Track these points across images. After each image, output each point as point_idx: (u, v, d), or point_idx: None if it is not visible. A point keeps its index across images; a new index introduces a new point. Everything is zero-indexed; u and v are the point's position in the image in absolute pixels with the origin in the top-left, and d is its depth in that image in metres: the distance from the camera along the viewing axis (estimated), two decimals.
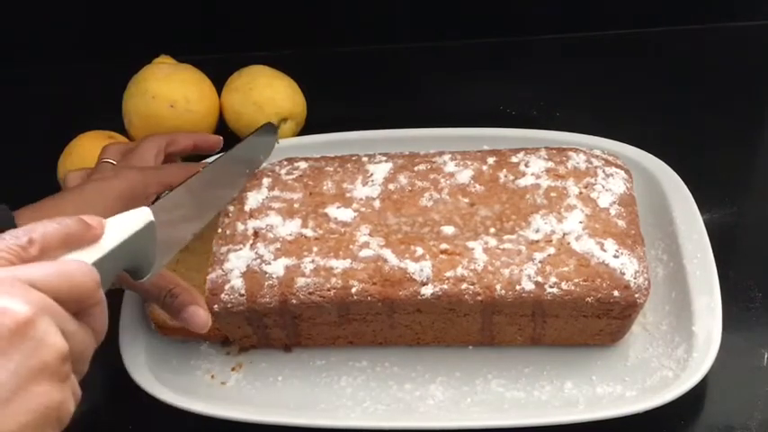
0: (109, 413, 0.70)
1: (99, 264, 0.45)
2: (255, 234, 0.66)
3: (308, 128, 0.88)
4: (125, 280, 0.57)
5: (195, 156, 0.80)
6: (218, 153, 0.78)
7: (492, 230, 0.64)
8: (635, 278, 0.62)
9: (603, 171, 0.68)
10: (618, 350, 0.67)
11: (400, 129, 0.82)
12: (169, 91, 0.84)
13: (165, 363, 0.69)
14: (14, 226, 0.58)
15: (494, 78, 0.96)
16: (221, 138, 0.77)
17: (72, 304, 0.41)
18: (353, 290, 0.63)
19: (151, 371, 0.67)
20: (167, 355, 0.70)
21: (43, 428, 0.37)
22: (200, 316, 0.60)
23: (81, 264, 0.43)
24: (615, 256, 0.62)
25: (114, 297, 0.67)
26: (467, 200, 0.67)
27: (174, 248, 0.57)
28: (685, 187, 0.74)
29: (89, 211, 0.62)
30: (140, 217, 0.50)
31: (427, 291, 0.62)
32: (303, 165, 0.72)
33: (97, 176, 0.68)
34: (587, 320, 0.64)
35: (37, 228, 0.43)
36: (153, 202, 0.53)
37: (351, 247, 0.64)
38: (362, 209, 0.67)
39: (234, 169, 0.69)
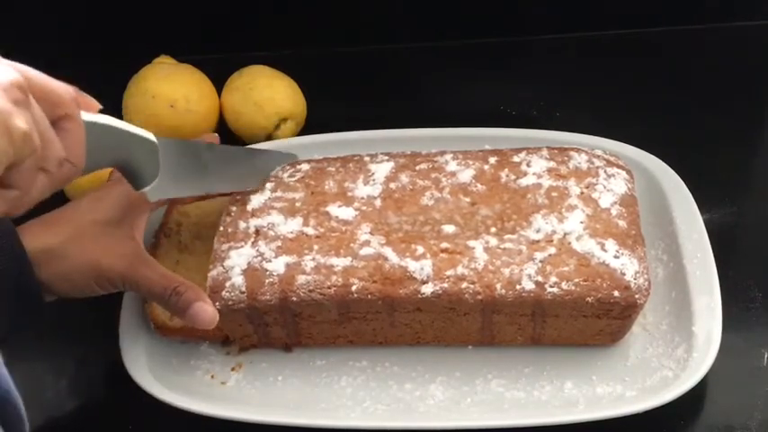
0: (109, 413, 0.70)
1: (87, 126, 0.47)
2: (257, 232, 0.66)
3: (308, 128, 0.88)
4: (120, 185, 0.60)
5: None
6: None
7: (493, 230, 0.64)
8: (635, 278, 0.62)
9: (605, 171, 0.68)
10: (618, 350, 0.67)
11: (401, 129, 0.82)
12: (169, 91, 0.84)
13: (165, 363, 0.69)
14: (16, 237, 0.59)
15: (494, 78, 0.96)
16: (217, 135, 0.77)
17: (41, 102, 0.43)
18: (354, 288, 0.63)
19: (151, 371, 0.67)
20: (167, 355, 0.70)
21: None
22: (207, 312, 0.61)
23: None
24: (616, 257, 0.62)
25: (114, 297, 0.68)
26: (468, 199, 0.67)
27: (184, 187, 0.60)
28: (685, 187, 0.74)
29: (90, 217, 0.63)
30: (140, 130, 0.54)
31: (427, 289, 0.62)
32: (305, 167, 0.72)
33: (98, 188, 0.68)
34: (587, 320, 0.64)
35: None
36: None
37: (351, 245, 0.64)
38: (364, 207, 0.67)
39: (247, 165, 0.71)
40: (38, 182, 0.44)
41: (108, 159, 0.53)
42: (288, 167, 0.73)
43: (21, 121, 0.40)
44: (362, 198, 0.68)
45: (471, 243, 0.64)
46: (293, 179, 0.71)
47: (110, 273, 0.62)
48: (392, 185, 0.69)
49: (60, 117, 0.45)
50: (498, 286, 0.62)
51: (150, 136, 0.55)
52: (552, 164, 0.69)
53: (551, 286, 0.61)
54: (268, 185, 0.70)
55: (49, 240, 0.61)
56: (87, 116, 0.48)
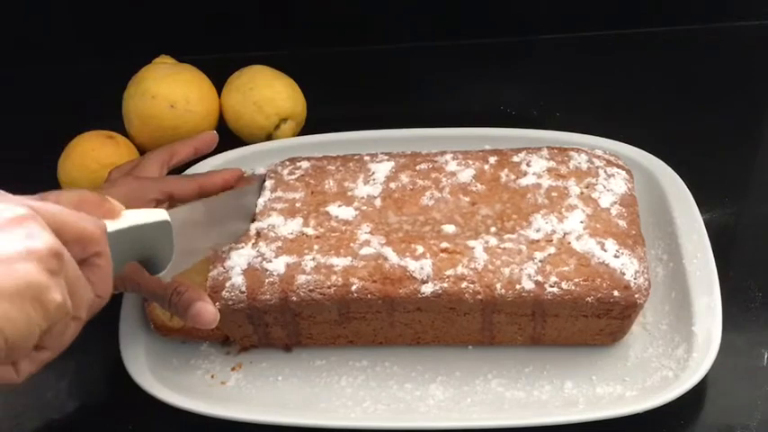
0: (109, 413, 0.70)
1: (112, 236, 0.47)
2: (258, 234, 0.66)
3: (308, 128, 0.88)
4: (136, 273, 0.59)
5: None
6: (216, 153, 0.78)
7: (493, 229, 0.64)
8: (635, 278, 0.62)
9: (605, 171, 0.68)
10: (618, 350, 0.67)
11: (401, 129, 0.82)
12: (169, 91, 0.84)
13: (165, 363, 0.69)
14: None
15: (494, 78, 0.96)
16: (215, 132, 0.76)
17: (73, 245, 0.43)
18: (354, 287, 0.63)
19: (151, 371, 0.67)
20: (167, 355, 0.70)
21: (23, 302, 0.39)
22: (208, 311, 0.61)
23: (86, 215, 0.45)
24: (616, 257, 0.62)
25: (114, 297, 0.67)
26: (468, 199, 0.67)
27: (190, 256, 0.59)
28: (685, 187, 0.74)
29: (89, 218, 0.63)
30: (156, 213, 0.52)
31: (427, 289, 0.62)
32: (305, 164, 0.72)
33: (96, 189, 0.68)
34: (587, 320, 0.64)
35: (54, 192, 0.47)
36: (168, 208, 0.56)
37: (351, 245, 0.64)
38: (364, 207, 0.67)
39: (237, 210, 0.69)
40: (68, 331, 0.44)
41: (129, 259, 0.52)
42: (287, 164, 0.73)
43: (56, 294, 0.41)
44: (362, 198, 0.68)
45: (471, 243, 0.64)
46: (293, 177, 0.71)
47: None
48: (392, 185, 0.69)
49: (91, 254, 0.45)
50: (498, 286, 0.62)
51: (164, 216, 0.53)
52: (552, 164, 0.69)
53: (551, 286, 0.61)
54: (267, 184, 0.70)
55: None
56: (110, 226, 0.47)
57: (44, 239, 0.40)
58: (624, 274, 0.62)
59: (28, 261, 0.39)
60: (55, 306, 0.40)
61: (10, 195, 0.43)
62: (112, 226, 0.48)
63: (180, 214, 0.56)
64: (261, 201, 0.69)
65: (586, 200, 0.66)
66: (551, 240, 0.63)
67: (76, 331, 0.45)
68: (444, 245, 0.64)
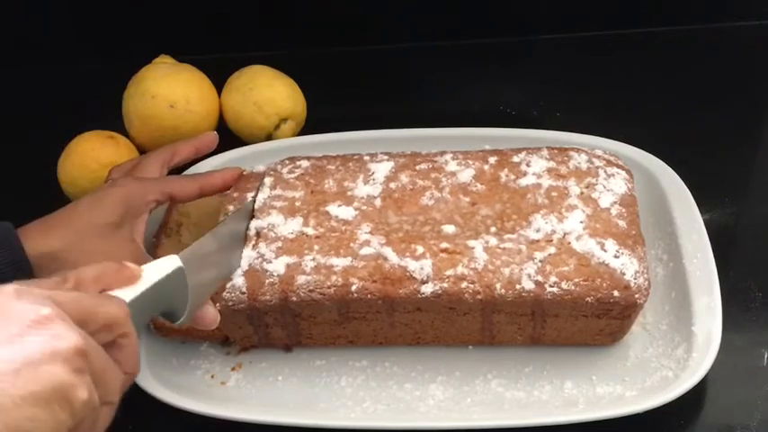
0: None
1: (133, 303, 0.47)
2: (258, 234, 0.66)
3: (308, 128, 0.88)
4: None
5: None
6: (215, 153, 0.78)
7: (493, 229, 0.64)
8: (635, 278, 0.62)
9: (605, 171, 0.68)
10: (618, 350, 0.67)
11: (401, 129, 0.82)
12: (169, 91, 0.84)
13: (165, 363, 0.69)
14: (17, 241, 0.59)
15: (494, 78, 0.96)
16: (215, 133, 0.76)
17: (99, 332, 0.43)
18: (354, 287, 0.63)
19: (151, 371, 0.67)
20: (167, 355, 0.70)
21: (50, 404, 0.39)
22: (209, 312, 0.60)
23: (108, 296, 0.46)
24: (616, 257, 0.62)
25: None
26: (468, 199, 0.67)
27: (205, 292, 0.58)
28: (685, 187, 0.74)
29: (90, 220, 0.63)
30: (170, 263, 0.52)
31: (427, 289, 0.62)
32: (305, 163, 0.72)
33: (97, 189, 0.68)
34: (587, 320, 0.64)
35: (74, 270, 0.47)
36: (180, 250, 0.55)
37: (351, 245, 0.64)
38: (364, 207, 0.67)
39: (235, 237, 0.67)
40: (100, 420, 0.44)
41: (150, 317, 0.52)
42: (287, 163, 0.73)
43: (83, 392, 0.41)
44: (362, 198, 0.68)
45: (471, 243, 0.64)
46: (292, 176, 0.71)
47: None
48: (392, 185, 0.69)
49: (117, 336, 0.45)
50: (498, 286, 0.62)
51: (177, 263, 0.52)
52: (552, 164, 0.69)
53: (551, 286, 0.61)
54: (267, 181, 0.70)
55: (49, 244, 0.61)
56: (128, 293, 0.47)
57: (69, 339, 0.40)
58: (624, 274, 0.62)
59: (54, 363, 0.39)
60: (81, 403, 0.40)
61: (33, 287, 0.43)
62: (133, 292, 0.48)
63: (190, 255, 0.55)
64: (260, 197, 0.69)
65: (586, 200, 0.66)
66: (551, 240, 0.63)
67: (110, 416, 0.44)
68: (444, 245, 0.64)
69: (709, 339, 0.63)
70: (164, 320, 0.55)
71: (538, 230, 0.64)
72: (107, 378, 0.43)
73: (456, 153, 0.71)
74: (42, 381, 0.39)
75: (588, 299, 0.61)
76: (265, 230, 0.66)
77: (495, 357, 0.67)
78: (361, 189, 0.69)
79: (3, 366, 0.38)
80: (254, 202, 0.69)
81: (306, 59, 0.96)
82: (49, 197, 0.80)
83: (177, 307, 0.54)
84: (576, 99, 0.91)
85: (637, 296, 0.62)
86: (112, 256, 0.61)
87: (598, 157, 0.70)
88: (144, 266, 0.50)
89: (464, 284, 0.62)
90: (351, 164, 0.71)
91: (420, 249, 0.63)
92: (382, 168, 0.70)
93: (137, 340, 0.46)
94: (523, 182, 0.67)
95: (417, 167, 0.70)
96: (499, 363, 0.67)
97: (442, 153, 0.71)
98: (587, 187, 0.67)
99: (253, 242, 0.66)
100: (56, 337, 0.40)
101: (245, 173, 0.73)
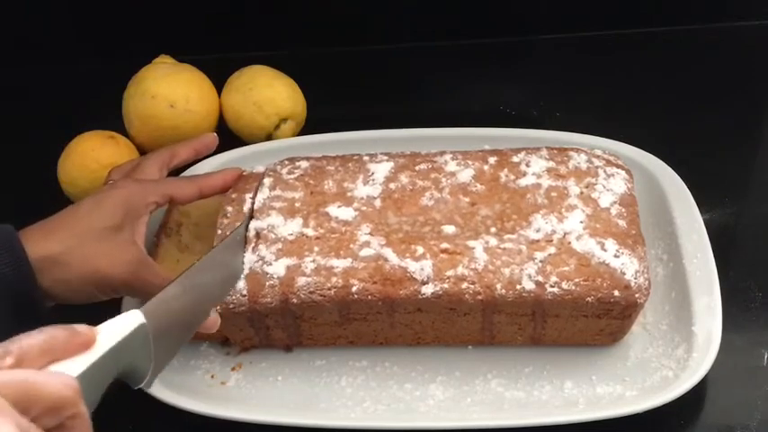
0: (109, 413, 0.70)
1: (87, 374, 0.43)
2: (257, 236, 0.66)
3: (308, 128, 0.88)
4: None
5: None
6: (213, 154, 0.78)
7: (493, 230, 0.64)
8: (635, 278, 0.62)
9: (605, 171, 0.68)
10: (618, 350, 0.67)
11: (400, 129, 0.82)
12: (169, 91, 0.84)
13: None
14: (18, 244, 0.58)
15: (494, 78, 0.96)
16: (215, 134, 0.76)
17: (44, 415, 0.39)
18: (354, 289, 0.63)
19: None
20: None
21: None
22: (210, 315, 0.61)
23: (55, 374, 0.41)
24: (616, 256, 0.62)
25: (114, 298, 0.67)
26: (468, 199, 0.67)
27: (173, 348, 0.54)
28: (685, 187, 0.74)
29: (90, 223, 0.62)
30: (131, 320, 0.48)
31: (428, 290, 0.62)
32: (304, 164, 0.72)
33: (97, 191, 0.68)
34: (587, 320, 0.64)
35: (16, 339, 0.42)
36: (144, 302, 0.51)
37: (351, 246, 0.64)
38: (363, 208, 0.67)
39: (221, 266, 0.64)
40: None
41: (106, 385, 0.46)
42: (286, 163, 0.72)
43: None
44: (362, 198, 0.68)
45: (471, 243, 0.64)
46: (292, 176, 0.71)
47: (112, 280, 0.62)
48: (392, 186, 0.68)
49: (65, 419, 0.41)
50: (498, 286, 0.62)
51: (138, 319, 0.48)
52: (552, 164, 0.69)
53: (551, 286, 0.61)
54: (266, 181, 0.70)
55: (50, 248, 0.60)
56: (81, 363, 0.43)
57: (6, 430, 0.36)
58: (624, 273, 0.62)
59: None
60: None
61: None
62: (86, 361, 0.43)
63: (154, 308, 0.50)
64: (259, 198, 0.69)
65: (586, 200, 0.66)
66: (551, 240, 0.63)
67: None
68: (444, 245, 0.64)
69: (709, 339, 0.63)
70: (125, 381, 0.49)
71: (538, 230, 0.64)
72: None
73: (456, 153, 0.71)
74: None
75: (589, 299, 0.61)
76: (265, 231, 0.66)
77: (495, 357, 0.67)
78: (361, 190, 0.69)
79: None
80: (246, 229, 0.66)
81: (306, 59, 0.96)
82: (49, 197, 0.80)
83: (140, 367, 0.49)
84: (575, 99, 0.91)
85: (637, 296, 0.62)
86: (114, 258, 0.62)
87: (598, 157, 0.70)
88: (100, 327, 0.45)
89: (464, 285, 0.62)
90: (350, 164, 0.71)
91: (420, 250, 0.63)
92: (382, 169, 0.70)
93: (88, 420, 0.42)
94: (523, 182, 0.67)
95: (417, 168, 0.70)
96: (499, 363, 0.67)
97: (442, 153, 0.71)
98: (587, 187, 0.67)
99: (252, 244, 0.66)
100: None
101: (244, 173, 0.73)
